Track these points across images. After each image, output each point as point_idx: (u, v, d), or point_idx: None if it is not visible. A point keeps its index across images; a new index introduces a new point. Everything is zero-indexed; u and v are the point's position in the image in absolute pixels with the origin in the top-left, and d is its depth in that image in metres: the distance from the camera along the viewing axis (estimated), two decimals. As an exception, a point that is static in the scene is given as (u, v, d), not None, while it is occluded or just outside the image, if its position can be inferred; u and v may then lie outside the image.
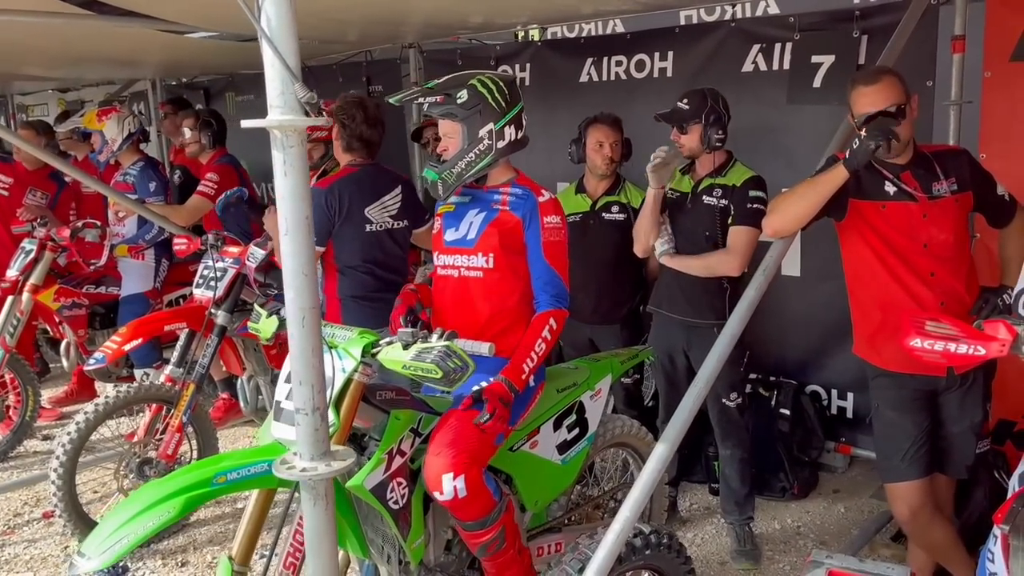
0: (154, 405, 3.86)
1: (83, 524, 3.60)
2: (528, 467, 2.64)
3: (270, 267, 4.05)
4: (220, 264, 3.97)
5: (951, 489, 2.90)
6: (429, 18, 4.71)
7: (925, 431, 2.73)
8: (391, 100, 2.54)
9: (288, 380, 2.23)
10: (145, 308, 5.06)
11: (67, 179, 5.76)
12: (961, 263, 2.68)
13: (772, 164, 3.72)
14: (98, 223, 4.90)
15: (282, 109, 1.75)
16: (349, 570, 2.88)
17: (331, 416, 2.11)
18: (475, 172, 2.55)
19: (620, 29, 5.50)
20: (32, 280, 4.79)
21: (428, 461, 2.30)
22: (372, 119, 3.58)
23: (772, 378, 4.23)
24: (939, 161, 2.67)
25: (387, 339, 2.19)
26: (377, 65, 6.02)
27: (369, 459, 2.24)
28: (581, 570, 2.18)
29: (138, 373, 4.95)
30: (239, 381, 4.35)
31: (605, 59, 4.73)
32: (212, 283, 3.96)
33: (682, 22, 5.16)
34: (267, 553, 2.19)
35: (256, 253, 3.94)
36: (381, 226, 3.55)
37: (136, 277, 5.06)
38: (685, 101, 3.37)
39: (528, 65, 5.12)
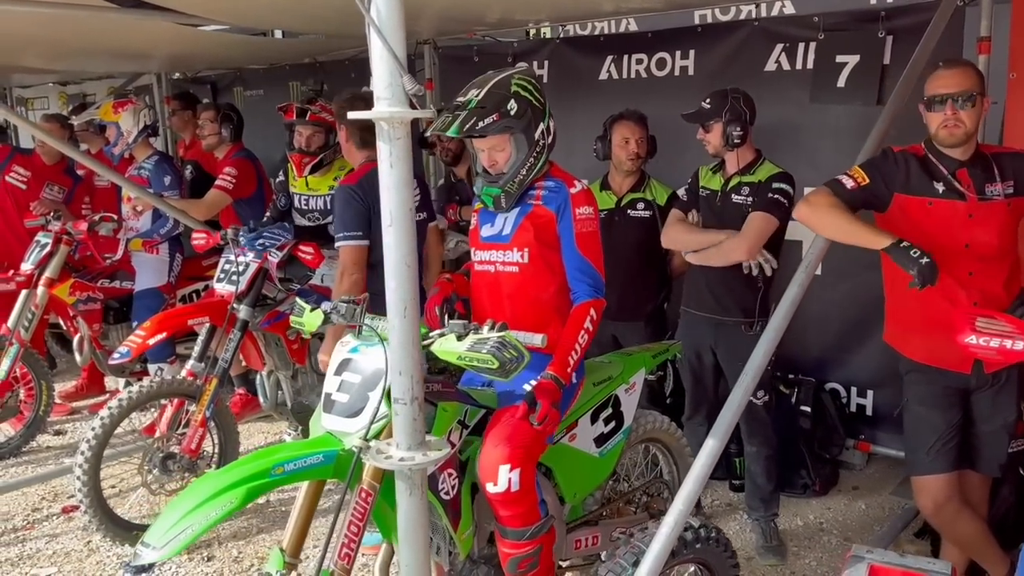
0: (176, 400, 3.85)
1: (107, 519, 3.59)
2: (568, 459, 2.65)
3: (290, 261, 4.05)
4: (241, 258, 3.95)
5: (985, 487, 2.92)
6: (445, 13, 4.69)
7: (954, 427, 2.75)
8: (448, 133, 2.35)
9: (339, 372, 2.24)
10: (159, 303, 5.06)
11: (80, 173, 5.74)
12: (1003, 265, 2.69)
13: (795, 163, 3.71)
14: (114, 217, 4.88)
15: (389, 101, 1.76)
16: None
17: (384, 408, 2.12)
18: (535, 174, 2.53)
19: (634, 28, 5.52)
20: (47, 274, 4.76)
21: (486, 452, 2.31)
22: None
23: (792, 376, 4.25)
24: (998, 162, 2.68)
25: (438, 331, 2.19)
26: (391, 61, 6.00)
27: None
28: (636, 563, 2.18)
29: (152, 368, 4.94)
30: (258, 376, 4.34)
31: (625, 57, 4.74)
32: (234, 277, 3.94)
33: (696, 22, 5.19)
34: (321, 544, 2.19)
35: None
36: None
37: (150, 272, 5.05)
38: (708, 101, 3.41)
39: (546, 63, 5.12)
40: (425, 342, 2.18)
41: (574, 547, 2.73)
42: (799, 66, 4.14)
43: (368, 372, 2.19)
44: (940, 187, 2.68)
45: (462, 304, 2.75)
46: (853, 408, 4.28)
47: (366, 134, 3.52)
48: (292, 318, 2.53)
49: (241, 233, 3.92)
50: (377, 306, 3.42)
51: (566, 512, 2.72)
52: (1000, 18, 3.59)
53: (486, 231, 2.66)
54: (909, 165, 2.72)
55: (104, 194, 5.79)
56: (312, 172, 4.22)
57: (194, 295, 5.39)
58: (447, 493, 2.26)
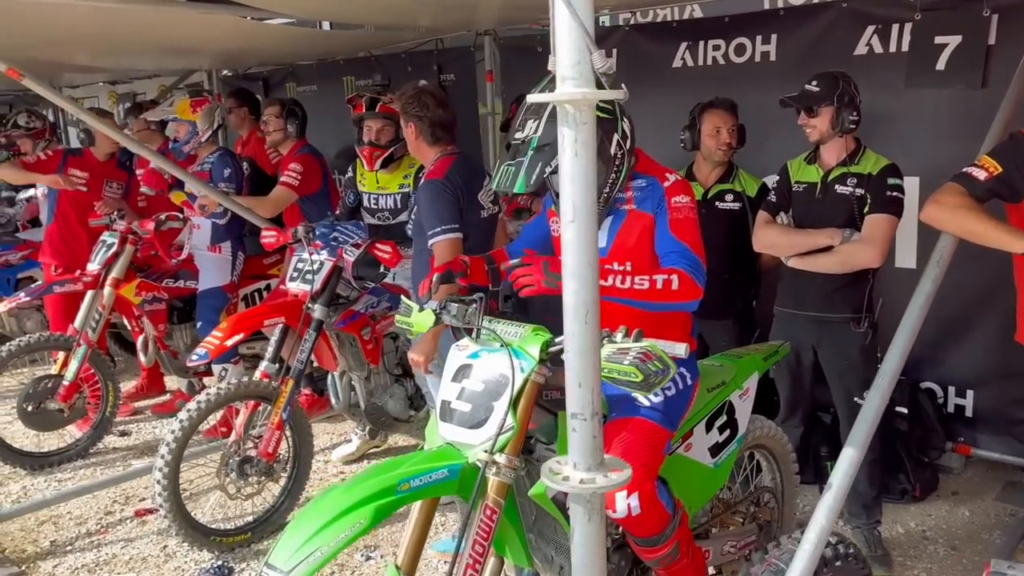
0: (251, 402, 3.76)
1: (186, 523, 3.50)
2: (683, 471, 2.50)
3: (366, 260, 3.94)
4: (315, 256, 3.84)
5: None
6: (508, 1, 4.55)
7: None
8: (516, 189, 2.07)
9: (457, 379, 2.11)
10: (223, 302, 4.99)
11: (139, 172, 5.68)
12: None
13: (889, 152, 3.51)
14: (179, 215, 4.81)
15: (576, 81, 1.61)
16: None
17: (509, 419, 1.99)
18: (622, 183, 2.34)
19: (699, 14, 5.33)
20: (114, 274, 4.71)
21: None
22: (443, 101, 3.50)
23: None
24: None
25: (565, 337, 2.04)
26: (448, 53, 5.87)
27: (539, 463, 2.10)
28: (776, 584, 2.04)
29: (216, 368, 4.87)
30: (330, 377, 4.23)
31: (701, 43, 4.56)
32: (308, 276, 3.84)
33: (779, 4, 4.98)
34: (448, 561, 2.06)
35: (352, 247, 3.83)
36: (487, 211, 3.49)
37: (213, 270, 4.98)
38: (815, 83, 3.21)
39: (615, 51, 4.95)
40: (551, 348, 2.04)
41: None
42: (893, 48, 3.94)
43: (491, 380, 2.06)
44: None
45: (465, 280, 2.53)
46: (951, 409, 4.08)
47: (438, 130, 3.44)
48: (398, 318, 2.40)
49: (316, 229, 3.81)
50: None
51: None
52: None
53: None
54: None
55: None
56: (383, 167, 4.10)
57: (256, 294, 5.32)
58: None
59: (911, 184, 3.53)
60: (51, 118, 7.86)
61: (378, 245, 3.77)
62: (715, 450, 2.60)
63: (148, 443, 4.99)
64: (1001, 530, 3.61)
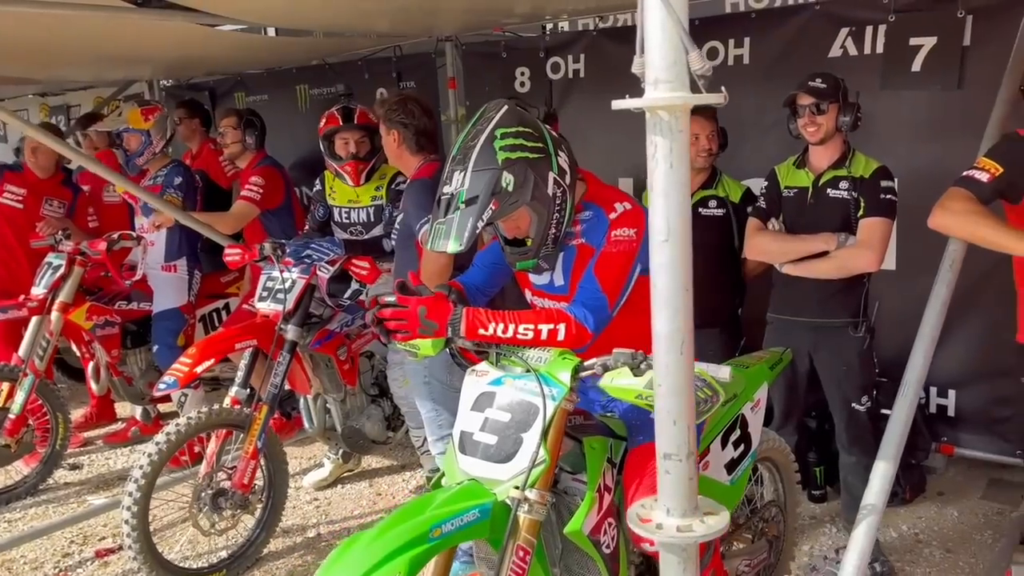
0: (221, 431, 3.54)
1: (157, 564, 3.28)
2: (701, 491, 2.39)
3: (341, 277, 3.77)
4: (286, 275, 3.65)
5: None
6: (471, 6, 4.42)
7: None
8: (449, 250, 1.99)
9: (478, 408, 1.97)
10: (181, 324, 4.76)
11: (85, 188, 5.38)
12: None
13: (865, 155, 3.51)
14: (133, 234, 4.55)
15: (671, 84, 1.47)
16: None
17: (542, 452, 1.85)
18: (568, 221, 2.18)
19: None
20: (61, 298, 4.41)
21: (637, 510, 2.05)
22: (428, 109, 3.42)
23: (870, 378, 4.04)
24: None
25: (598, 360, 1.91)
26: (408, 60, 5.71)
27: (566, 495, 1.98)
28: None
29: (176, 396, 4.62)
30: (302, 400, 4.04)
31: (673, 48, 4.49)
32: (279, 295, 3.64)
33: (728, 10, 4.97)
34: None
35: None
36: None
37: (169, 291, 4.73)
38: (820, 81, 3.15)
39: (582, 56, 4.87)
40: (582, 374, 1.92)
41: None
42: (867, 51, 3.93)
43: (518, 409, 1.93)
44: None
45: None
46: (933, 409, 4.09)
47: (422, 138, 3.35)
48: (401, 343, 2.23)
49: (288, 246, 3.62)
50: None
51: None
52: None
53: (535, 279, 2.36)
54: None
55: (113, 210, 5.43)
56: (367, 180, 3.95)
57: (215, 314, 5.08)
58: (608, 547, 2.00)
59: (890, 186, 3.52)
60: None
61: (355, 261, 3.60)
62: (731, 466, 2.51)
63: (102, 476, 4.71)
64: (992, 530, 3.62)
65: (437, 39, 5.39)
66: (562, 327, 2.02)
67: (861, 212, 3.11)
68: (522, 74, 5.10)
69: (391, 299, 2.02)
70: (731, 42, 4.32)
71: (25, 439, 4.38)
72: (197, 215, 4.38)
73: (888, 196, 3.09)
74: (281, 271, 3.64)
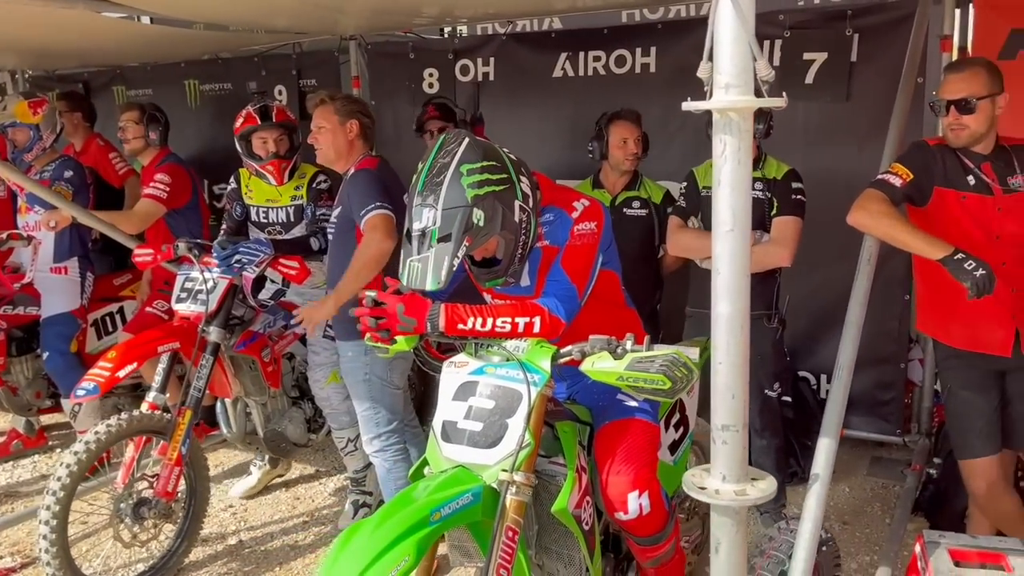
0: (140, 438, 3.40)
1: (76, 579, 3.12)
2: (654, 471, 2.54)
3: (263, 279, 3.70)
4: (207, 275, 3.54)
5: (1013, 462, 3.07)
6: (377, 5, 4.43)
7: (996, 408, 2.88)
8: (428, 287, 2.04)
9: (460, 398, 2.03)
10: (73, 328, 4.52)
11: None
12: None
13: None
14: (24, 234, 4.27)
15: (740, 89, 1.60)
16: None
17: (527, 436, 1.93)
18: (534, 238, 2.27)
19: (558, 26, 5.46)
20: (-58, 303, 4.10)
21: (609, 481, 2.16)
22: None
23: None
24: (1017, 154, 2.79)
25: (575, 347, 2.02)
26: (310, 57, 5.62)
27: (542, 477, 2.07)
28: (781, 574, 2.12)
29: (66, 405, 4.40)
30: (220, 404, 3.92)
31: (582, 54, 4.66)
32: (200, 296, 3.54)
33: (624, 20, 5.21)
34: None
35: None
36: None
37: (60, 294, 4.48)
38: None
39: (492, 59, 4.96)
40: (562, 360, 2.02)
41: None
42: (766, 63, 4.21)
43: (502, 396, 2.00)
44: (971, 180, 2.78)
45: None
46: (823, 394, 4.43)
47: (370, 132, 3.39)
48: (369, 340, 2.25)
49: (215, 247, 3.51)
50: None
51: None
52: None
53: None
54: (944, 158, 2.80)
55: (-2, 205, 5.07)
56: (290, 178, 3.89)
57: (109, 319, 4.85)
58: (586, 523, 2.10)
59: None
60: None
61: (283, 261, 3.54)
62: (673, 447, 2.67)
63: (-16, 492, 4.40)
64: (880, 502, 3.97)
65: (341, 37, 5.35)
66: (537, 319, 2.11)
67: (774, 211, 3.36)
68: (430, 75, 5.13)
69: (371, 296, 2.05)
70: (639, 50, 4.52)
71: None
72: (99, 214, 4.17)
73: (798, 196, 3.35)
74: (201, 271, 3.54)
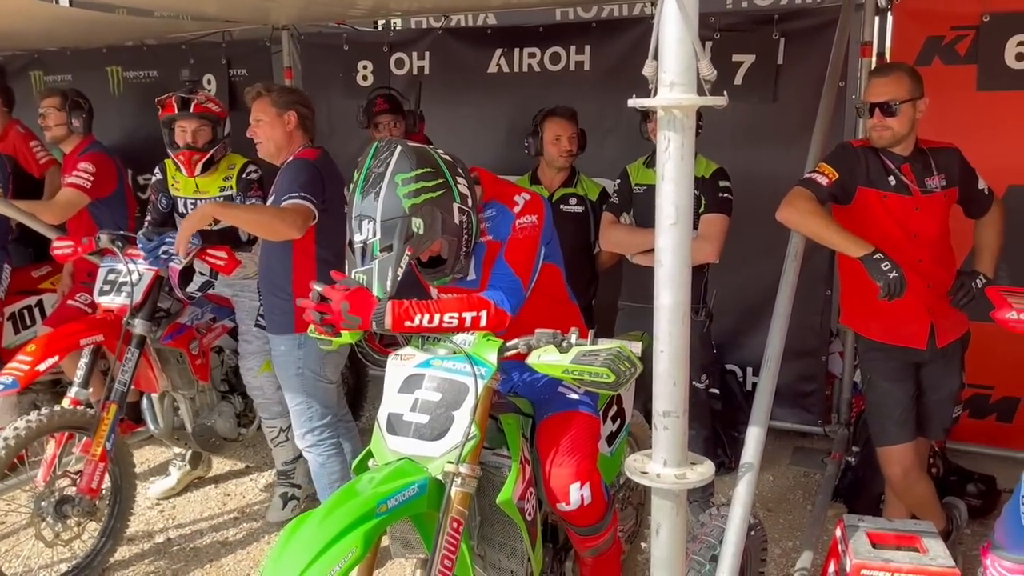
0: (62, 434, 3.29)
1: (-2, 583, 3.01)
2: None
3: (191, 271, 3.62)
4: (131, 266, 3.45)
5: (928, 449, 3.23)
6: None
7: (912, 398, 3.02)
8: (377, 295, 2.07)
9: (407, 390, 2.03)
10: (-11, 322, 4.32)
11: None
12: (943, 250, 2.98)
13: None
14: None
15: (684, 87, 1.61)
16: None
17: (473, 428, 1.95)
18: (476, 235, 2.28)
19: (492, 22, 5.49)
20: None
21: (552, 472, 2.20)
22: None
23: (696, 360, 4.45)
24: (934, 157, 2.93)
25: (521, 340, 2.04)
26: (239, 46, 5.51)
27: (485, 469, 2.09)
28: (713, 559, 2.18)
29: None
30: (146, 399, 3.82)
31: (517, 50, 4.69)
32: (123, 288, 3.44)
33: (558, 18, 5.27)
34: None
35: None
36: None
37: (-26, 286, 4.29)
38: None
39: (427, 53, 4.96)
40: (508, 354, 2.04)
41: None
42: (695, 64, 4.32)
43: (448, 389, 2.01)
44: (892, 180, 2.91)
45: None
46: (748, 387, 4.57)
47: (309, 123, 3.35)
48: (312, 328, 2.23)
49: (139, 238, 3.42)
50: (323, 274, 3.16)
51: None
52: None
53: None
54: (868, 159, 2.93)
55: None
56: (203, 171, 3.77)
57: (27, 312, 4.67)
58: (529, 514, 2.13)
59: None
60: None
61: (210, 251, 3.46)
62: (610, 439, 2.71)
63: None
64: (802, 490, 4.12)
65: (273, 27, 5.26)
66: (484, 313, 2.14)
67: (702, 209, 3.45)
68: (364, 67, 5.10)
69: (317, 291, 2.04)
70: (573, 48, 4.58)
71: None
72: (18, 203, 4.01)
73: (725, 195, 3.45)
74: (126, 263, 3.44)
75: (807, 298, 4.25)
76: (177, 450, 4.13)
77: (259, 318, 3.65)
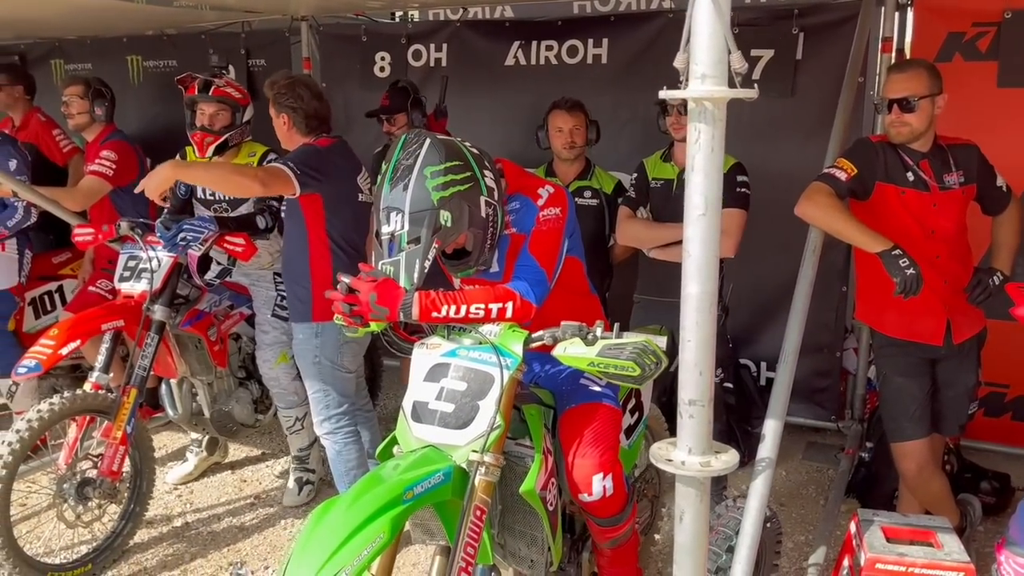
0: (84, 418, 3.34)
1: (22, 562, 3.05)
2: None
3: (208, 260, 3.66)
4: (151, 253, 3.49)
5: (943, 446, 3.24)
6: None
7: (927, 394, 3.03)
8: (403, 286, 2.08)
9: (432, 379, 2.06)
10: (10, 307, 4.41)
11: None
12: (960, 246, 2.99)
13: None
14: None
15: (716, 79, 1.63)
16: None
17: (498, 418, 1.98)
18: (501, 228, 2.30)
19: (510, 15, 5.49)
20: None
21: (575, 463, 2.22)
22: (319, 93, 3.42)
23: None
24: (953, 153, 2.94)
25: (546, 332, 2.07)
26: (259, 37, 5.54)
27: (508, 459, 2.12)
28: (729, 549, 2.20)
29: (3, 384, 4.27)
30: (165, 385, 3.86)
31: (534, 43, 4.70)
32: (143, 275, 3.48)
33: (575, 12, 5.27)
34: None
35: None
36: (364, 196, 3.40)
37: (-4, 271, 4.33)
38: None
39: (445, 46, 4.97)
40: (533, 345, 2.06)
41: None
42: (715, 58, 4.32)
43: (474, 378, 2.03)
44: (910, 176, 2.91)
45: None
46: (763, 382, 4.58)
47: (312, 121, 3.34)
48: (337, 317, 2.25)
49: (158, 226, 3.46)
50: (337, 264, 3.22)
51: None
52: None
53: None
54: (886, 154, 2.93)
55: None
56: (216, 154, 3.79)
57: (47, 297, 4.72)
58: (551, 504, 2.16)
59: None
60: None
61: (228, 238, 3.49)
62: (628, 431, 2.73)
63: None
64: (815, 485, 4.14)
65: (292, 18, 5.29)
66: (510, 304, 2.15)
67: (721, 204, 3.44)
68: (382, 59, 5.12)
69: (345, 283, 2.07)
70: (591, 41, 4.58)
71: None
72: (42, 190, 4.05)
73: (743, 189, 3.45)
74: (145, 249, 3.48)
75: (822, 294, 4.24)
76: (194, 436, 4.18)
77: (276, 308, 3.69)
